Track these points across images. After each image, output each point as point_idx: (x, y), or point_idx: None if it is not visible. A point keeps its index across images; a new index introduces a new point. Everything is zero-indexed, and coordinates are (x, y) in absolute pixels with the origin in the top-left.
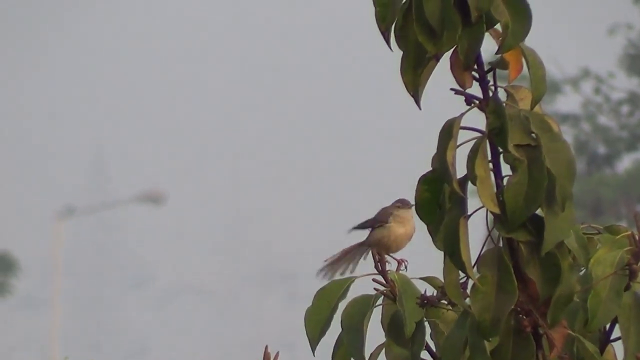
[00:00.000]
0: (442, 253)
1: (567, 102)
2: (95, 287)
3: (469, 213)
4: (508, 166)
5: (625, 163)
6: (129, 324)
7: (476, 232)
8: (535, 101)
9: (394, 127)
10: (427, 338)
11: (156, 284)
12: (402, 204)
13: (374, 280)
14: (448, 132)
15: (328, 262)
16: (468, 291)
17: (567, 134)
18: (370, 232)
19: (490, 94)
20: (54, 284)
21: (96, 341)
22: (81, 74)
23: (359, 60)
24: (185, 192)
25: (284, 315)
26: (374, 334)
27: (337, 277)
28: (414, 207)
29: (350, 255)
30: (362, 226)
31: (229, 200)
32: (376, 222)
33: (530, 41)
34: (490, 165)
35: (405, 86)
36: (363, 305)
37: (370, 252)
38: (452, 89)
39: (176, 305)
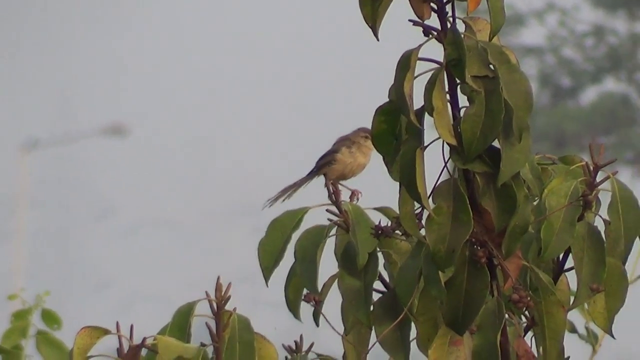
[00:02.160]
0: (397, 184)
1: (531, 35)
2: (59, 220)
3: (425, 144)
4: (465, 98)
5: (589, 96)
6: (94, 256)
7: (432, 164)
8: (493, 32)
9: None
10: (381, 268)
11: (121, 217)
12: (369, 134)
13: (327, 210)
14: (405, 64)
15: (280, 191)
16: (423, 222)
17: (532, 67)
18: (333, 155)
19: (449, 25)
20: (18, 216)
21: (61, 273)
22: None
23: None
24: (150, 125)
25: (249, 248)
26: (328, 265)
27: (280, 203)
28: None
29: (302, 183)
30: (324, 159)
31: (195, 134)
32: (334, 150)
33: None
34: (448, 96)
35: (364, 18)
36: (316, 236)
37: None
38: (410, 20)
39: (141, 238)
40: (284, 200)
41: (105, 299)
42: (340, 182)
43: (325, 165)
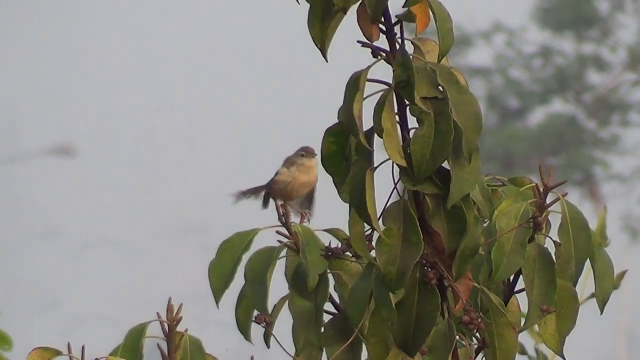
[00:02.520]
0: (347, 205)
1: (478, 56)
2: (4, 240)
3: (375, 165)
4: (415, 119)
5: (537, 117)
6: (39, 277)
7: (382, 185)
8: (442, 54)
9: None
10: (332, 290)
11: (67, 237)
12: (305, 152)
13: (277, 232)
14: (355, 85)
15: (238, 193)
16: (373, 243)
17: (479, 88)
18: (274, 177)
19: (397, 46)
20: None
21: (6, 293)
22: None
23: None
24: (97, 145)
25: (196, 269)
26: (279, 286)
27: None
28: (318, 156)
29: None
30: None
31: (141, 154)
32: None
33: None
34: (397, 117)
35: (313, 39)
36: (266, 257)
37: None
38: (358, 42)
39: (87, 258)
40: (246, 198)
41: (51, 319)
42: (289, 203)
43: (268, 187)
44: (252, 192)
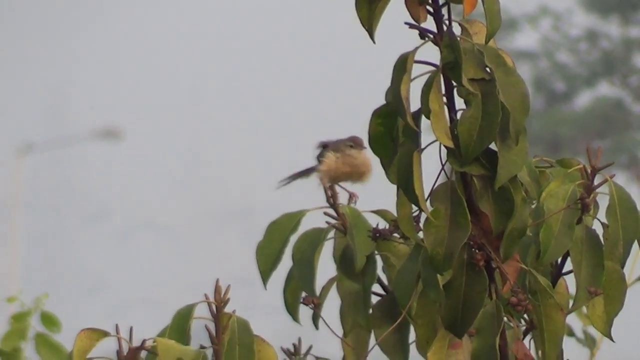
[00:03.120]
0: (394, 187)
1: (525, 39)
2: (54, 223)
3: (422, 147)
4: (462, 100)
5: (583, 100)
6: (88, 259)
7: (430, 166)
8: (489, 35)
9: (347, 62)
10: (379, 271)
11: (115, 220)
12: (354, 143)
13: (325, 213)
14: (402, 66)
15: (284, 180)
16: (421, 225)
17: (525, 71)
18: (319, 161)
19: (445, 28)
20: (12, 219)
21: (55, 276)
22: (41, 13)
23: None
24: (144, 128)
25: (243, 251)
26: (326, 268)
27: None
28: (366, 148)
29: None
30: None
31: (188, 137)
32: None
33: None
34: (444, 99)
35: (360, 21)
36: (314, 239)
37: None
38: (406, 23)
39: (134, 241)
40: (291, 181)
41: (99, 302)
42: (338, 184)
43: (312, 170)
44: (298, 176)
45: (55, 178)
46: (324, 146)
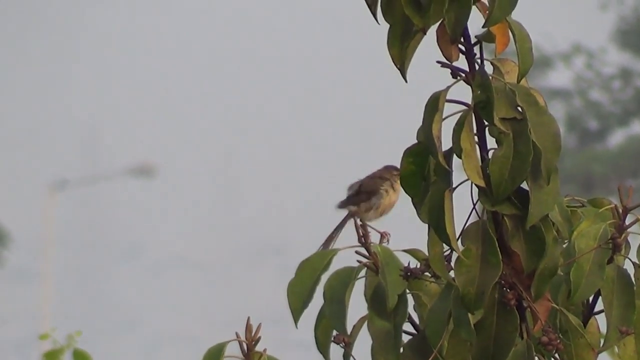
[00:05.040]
0: (426, 226)
1: (558, 78)
2: (87, 259)
3: (454, 186)
4: (493, 140)
5: (616, 138)
6: (121, 296)
7: (461, 206)
8: (521, 74)
9: (380, 100)
10: (410, 310)
11: (147, 257)
12: (397, 171)
13: (356, 252)
14: (434, 105)
15: (324, 243)
16: (452, 264)
17: (559, 110)
18: (377, 197)
19: (477, 67)
20: (45, 256)
21: (87, 313)
22: (74, 48)
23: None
24: (177, 165)
25: (275, 289)
26: (357, 307)
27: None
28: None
29: (341, 228)
30: (354, 198)
31: (221, 174)
32: (369, 190)
33: (520, 16)
34: (476, 138)
35: (392, 59)
36: (345, 277)
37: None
38: (438, 62)
39: (167, 278)
40: (333, 241)
41: (132, 339)
42: (369, 223)
43: (363, 204)
44: (337, 231)
45: (88, 215)
46: (354, 190)
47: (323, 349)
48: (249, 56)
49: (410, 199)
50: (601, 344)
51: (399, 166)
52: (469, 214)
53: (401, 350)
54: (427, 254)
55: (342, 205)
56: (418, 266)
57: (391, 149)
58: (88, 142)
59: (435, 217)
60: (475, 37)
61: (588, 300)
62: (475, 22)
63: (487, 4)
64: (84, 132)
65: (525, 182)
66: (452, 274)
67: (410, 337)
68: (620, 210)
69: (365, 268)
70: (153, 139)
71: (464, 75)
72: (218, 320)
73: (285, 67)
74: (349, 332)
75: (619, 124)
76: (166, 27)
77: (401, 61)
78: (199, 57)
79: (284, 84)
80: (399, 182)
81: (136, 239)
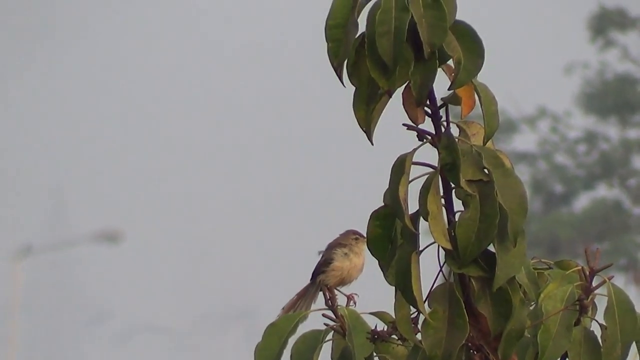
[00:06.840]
0: (393, 288)
1: (523, 141)
2: (53, 325)
3: (420, 248)
4: (460, 202)
5: (582, 202)
6: None
7: (428, 268)
8: (487, 137)
9: (345, 162)
10: None
11: (114, 323)
12: (359, 235)
13: (324, 315)
14: (400, 168)
15: (285, 309)
16: (419, 326)
17: (524, 173)
18: (330, 263)
19: (443, 129)
20: (11, 322)
21: None
22: (38, 110)
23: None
24: (143, 231)
25: (243, 353)
26: None
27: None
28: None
29: (305, 295)
30: (318, 266)
31: (186, 239)
32: (327, 257)
33: (486, 79)
34: (443, 200)
35: (358, 122)
36: (313, 341)
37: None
38: (404, 125)
39: (134, 343)
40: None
41: None
42: (337, 287)
43: (323, 274)
44: (302, 296)
45: (54, 281)
46: (320, 259)
47: None
48: (212, 126)
49: (377, 261)
50: None
51: (364, 230)
52: (435, 276)
53: None
54: (394, 316)
55: (312, 277)
56: (385, 329)
57: (356, 212)
58: (53, 208)
59: (402, 279)
60: (441, 99)
61: None
62: (441, 85)
63: (453, 67)
64: (49, 197)
65: (492, 244)
66: (419, 336)
67: None
68: (588, 273)
69: (333, 331)
70: (119, 205)
71: (430, 137)
72: None
73: (254, 138)
74: None
75: (584, 188)
76: (127, 93)
77: (367, 124)
78: (163, 123)
79: (250, 149)
80: (360, 245)
81: (103, 304)
